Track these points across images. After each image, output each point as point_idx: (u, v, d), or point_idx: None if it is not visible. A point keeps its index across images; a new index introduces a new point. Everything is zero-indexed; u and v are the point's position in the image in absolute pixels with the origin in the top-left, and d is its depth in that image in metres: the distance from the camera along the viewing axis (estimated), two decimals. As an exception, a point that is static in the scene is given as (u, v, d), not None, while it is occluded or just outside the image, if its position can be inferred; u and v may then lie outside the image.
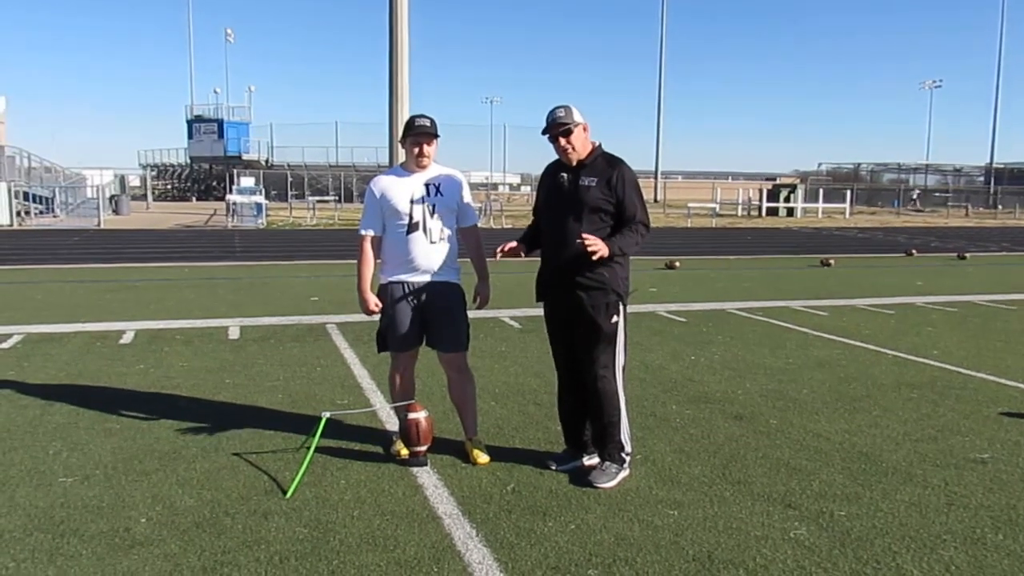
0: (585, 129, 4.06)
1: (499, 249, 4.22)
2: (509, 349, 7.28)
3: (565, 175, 4.10)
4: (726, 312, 9.64)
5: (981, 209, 50.93)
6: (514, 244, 4.24)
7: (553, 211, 4.15)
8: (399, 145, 4.55)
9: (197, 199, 50.80)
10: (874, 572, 3.19)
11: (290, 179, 41.61)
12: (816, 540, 3.46)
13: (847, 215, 40.10)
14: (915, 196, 53.29)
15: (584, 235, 3.86)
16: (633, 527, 3.57)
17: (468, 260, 4.48)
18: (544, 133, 4.07)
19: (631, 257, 4.20)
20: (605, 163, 4.06)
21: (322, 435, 4.31)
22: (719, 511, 3.75)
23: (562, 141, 4.02)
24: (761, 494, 3.95)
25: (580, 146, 4.04)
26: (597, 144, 4.15)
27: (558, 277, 4.10)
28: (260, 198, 30.58)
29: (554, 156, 4.17)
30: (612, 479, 4.05)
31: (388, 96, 25.39)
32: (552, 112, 4.05)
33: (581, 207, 3.99)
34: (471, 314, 4.48)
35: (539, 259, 4.36)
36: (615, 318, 4.08)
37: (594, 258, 3.86)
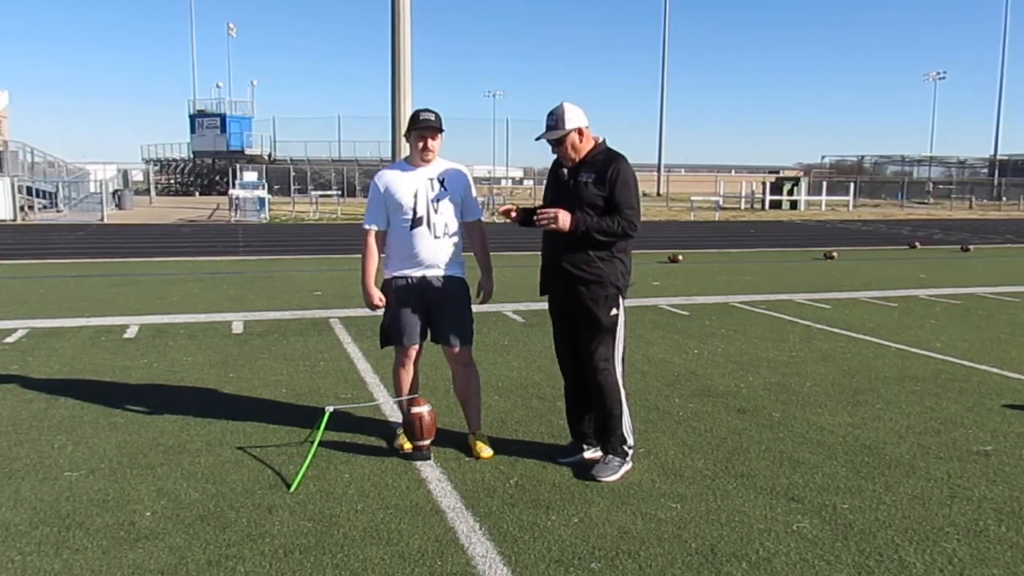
0: (581, 132, 4.05)
1: (501, 209, 4.31)
2: (512, 343, 7.29)
3: (566, 171, 4.14)
4: (729, 305, 9.64)
5: (985, 201, 50.82)
6: (511, 207, 4.26)
7: (552, 207, 4.14)
8: (402, 139, 4.55)
9: (200, 194, 50.79)
10: (877, 565, 3.19)
11: (293, 173, 41.50)
12: (819, 533, 3.46)
13: (850, 208, 40.02)
14: (929, 189, 53.65)
15: (540, 210, 3.98)
16: (636, 520, 3.57)
17: (472, 254, 4.48)
18: (538, 139, 4.14)
19: (632, 250, 4.20)
20: (605, 159, 4.06)
21: (326, 429, 4.32)
22: (722, 504, 3.76)
23: (560, 150, 4.10)
24: (764, 487, 3.96)
25: (579, 147, 4.07)
26: (600, 140, 4.15)
27: (557, 271, 4.13)
28: (263, 192, 30.56)
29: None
30: (615, 473, 4.06)
31: (390, 90, 25.37)
32: (546, 122, 4.08)
33: (578, 203, 4.00)
34: (474, 308, 4.49)
35: (536, 252, 4.39)
36: (614, 311, 4.09)
37: (548, 227, 3.95)
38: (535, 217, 4.00)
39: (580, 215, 3.95)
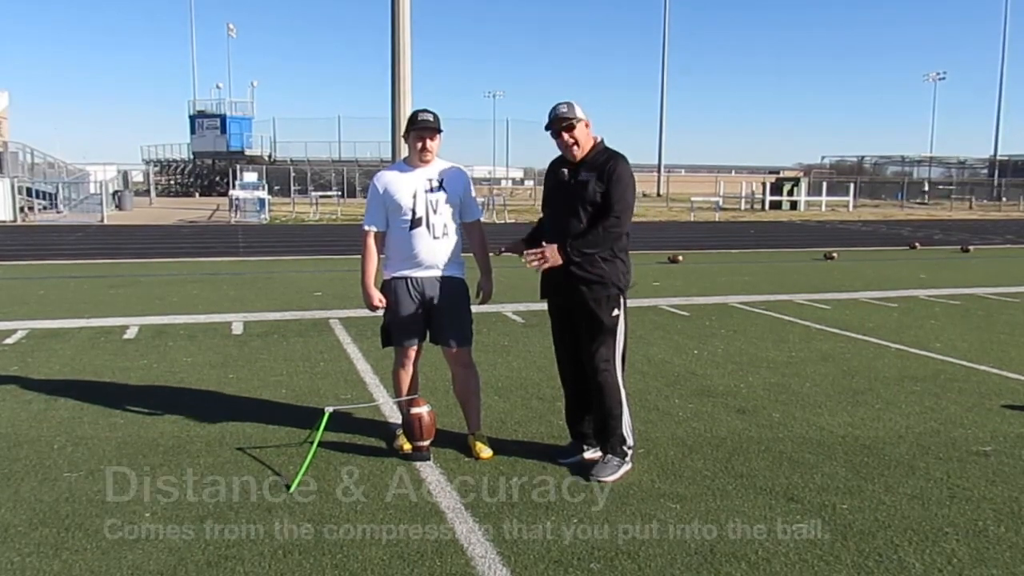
0: (587, 125, 4.09)
1: (502, 248, 4.39)
2: (512, 343, 7.29)
3: (566, 171, 4.14)
4: (729, 306, 9.64)
5: (985, 201, 50.82)
6: (511, 245, 4.35)
7: (554, 207, 4.20)
8: (401, 140, 4.56)
9: (200, 195, 50.75)
10: (876, 565, 3.19)
11: (293, 174, 41.51)
12: (819, 533, 3.46)
13: (850, 208, 40.01)
14: (926, 189, 54.05)
15: (527, 251, 4.02)
16: (636, 520, 3.57)
17: (471, 255, 4.49)
18: (547, 128, 4.10)
19: (631, 251, 4.21)
20: (604, 157, 4.08)
21: (325, 430, 4.32)
22: (722, 504, 3.76)
23: (565, 136, 4.05)
24: (763, 487, 3.96)
25: (583, 141, 4.07)
26: (599, 140, 4.17)
27: (559, 272, 4.10)
28: (263, 193, 30.56)
29: (556, 152, 4.18)
30: (614, 472, 4.06)
31: (390, 91, 25.40)
32: (555, 108, 4.08)
33: (579, 202, 4.02)
34: (473, 308, 4.49)
35: None
36: (615, 311, 4.10)
37: (538, 271, 4.05)
38: (523, 259, 4.04)
39: (572, 246, 3.96)
